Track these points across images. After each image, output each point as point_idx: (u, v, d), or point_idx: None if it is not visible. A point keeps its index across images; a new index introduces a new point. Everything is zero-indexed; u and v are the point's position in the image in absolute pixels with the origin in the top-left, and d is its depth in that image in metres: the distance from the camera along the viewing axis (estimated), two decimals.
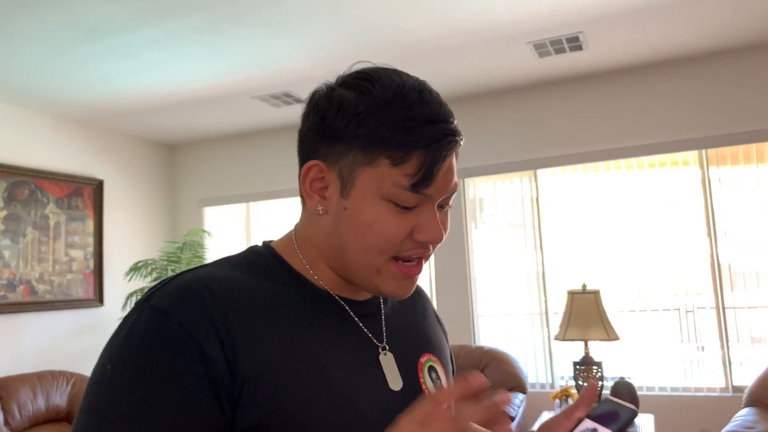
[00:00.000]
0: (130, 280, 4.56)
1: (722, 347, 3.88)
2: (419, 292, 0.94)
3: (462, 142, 0.73)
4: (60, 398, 3.96)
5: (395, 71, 0.75)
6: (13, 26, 3.10)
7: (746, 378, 3.77)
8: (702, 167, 4.03)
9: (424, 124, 0.69)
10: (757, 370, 3.57)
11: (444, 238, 0.74)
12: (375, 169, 0.70)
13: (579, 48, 3.69)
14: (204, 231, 5.08)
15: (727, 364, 3.86)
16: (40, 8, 2.93)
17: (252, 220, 5.37)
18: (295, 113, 4.75)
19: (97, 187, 4.83)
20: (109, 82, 3.93)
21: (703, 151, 4.01)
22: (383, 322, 0.81)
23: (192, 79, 3.94)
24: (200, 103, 4.42)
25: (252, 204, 5.35)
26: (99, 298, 4.74)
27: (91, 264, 4.73)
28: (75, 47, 3.38)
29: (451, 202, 0.77)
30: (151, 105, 4.43)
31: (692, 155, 4.05)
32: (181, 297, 0.66)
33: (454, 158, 0.73)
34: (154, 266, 4.59)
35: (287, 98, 4.37)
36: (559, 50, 3.71)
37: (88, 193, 4.76)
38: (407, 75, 0.75)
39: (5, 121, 4.26)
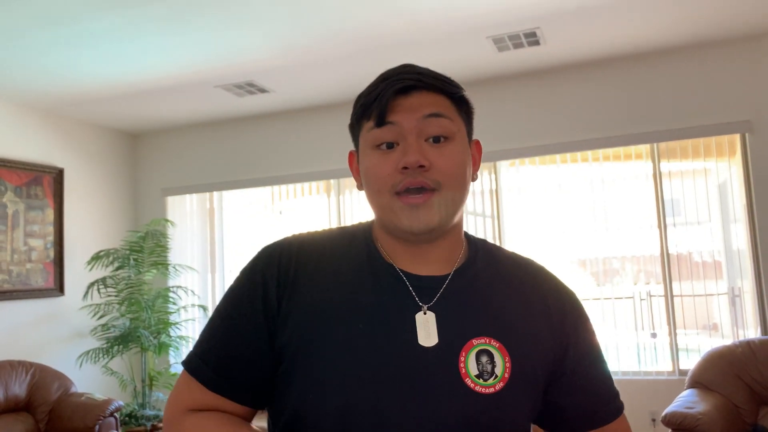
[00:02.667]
0: (91, 269, 4.53)
1: (670, 333, 4.06)
2: (542, 281, 0.95)
3: (422, 83, 0.88)
4: (19, 388, 3.93)
5: None
6: None
7: (692, 362, 3.95)
8: (653, 160, 4.18)
9: (381, 82, 0.89)
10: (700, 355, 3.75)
11: (448, 172, 0.86)
12: (362, 131, 0.91)
13: (536, 43, 3.79)
14: (167, 220, 5.07)
15: (674, 350, 4.03)
16: None
17: (215, 209, 5.38)
18: (258, 102, 4.76)
19: (58, 175, 4.77)
20: (69, 70, 3.90)
21: (655, 144, 4.16)
22: (439, 294, 0.88)
23: (154, 68, 3.93)
24: (163, 91, 4.40)
25: (215, 193, 5.34)
26: (59, 288, 4.70)
27: (52, 253, 4.69)
28: (35, 34, 3.34)
29: (442, 132, 0.87)
30: (112, 93, 4.39)
31: (645, 148, 4.20)
32: (272, 248, 0.93)
33: (425, 95, 0.88)
34: (116, 255, 4.57)
35: (251, 87, 4.38)
36: (518, 45, 3.81)
37: (48, 182, 4.70)
38: None
39: None
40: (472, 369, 0.83)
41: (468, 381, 0.82)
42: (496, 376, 0.83)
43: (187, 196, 5.37)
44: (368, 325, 0.84)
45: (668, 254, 4.09)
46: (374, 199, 0.89)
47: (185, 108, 4.83)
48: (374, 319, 0.84)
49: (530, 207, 4.43)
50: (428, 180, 0.84)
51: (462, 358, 0.83)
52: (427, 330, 0.84)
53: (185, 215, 5.37)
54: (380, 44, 3.70)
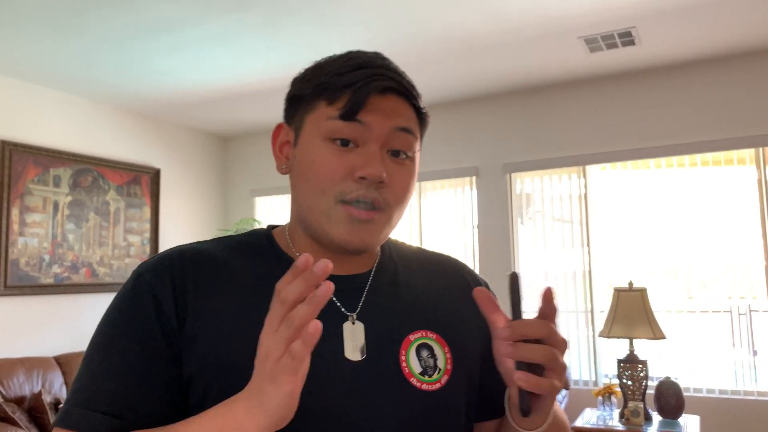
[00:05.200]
0: None
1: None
2: (458, 273, 0.92)
3: (402, 87, 0.77)
4: None
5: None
6: (80, 23, 3.27)
7: None
8: (758, 166, 3.92)
9: (356, 69, 0.76)
10: None
11: (400, 193, 0.77)
12: (315, 113, 0.77)
13: (631, 43, 3.65)
14: (255, 220, 5.23)
15: None
16: (105, 6, 3.08)
17: None
18: None
19: (155, 175, 5.03)
20: (167, 76, 4.10)
21: (760, 149, 3.91)
22: (364, 296, 0.81)
23: (246, 74, 4.07)
24: (253, 96, 4.55)
25: None
26: None
27: (147, 249, 4.94)
28: (137, 43, 3.54)
29: (406, 148, 0.78)
30: (206, 98, 4.58)
31: (748, 153, 3.95)
32: (157, 262, 0.78)
33: (400, 102, 0.78)
34: None
35: None
36: (611, 45, 3.67)
37: (145, 182, 4.96)
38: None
39: (71, 111, 4.49)
40: (415, 366, 0.77)
41: (413, 380, 0.76)
42: (440, 370, 0.78)
43: (275, 197, 5.52)
44: None
45: None
46: (310, 199, 0.77)
47: (274, 112, 4.97)
48: None
49: (621, 213, 4.26)
50: (381, 198, 0.76)
51: (403, 357, 0.77)
52: (354, 341, 0.76)
53: (272, 215, 5.53)
54: (469, 48, 3.67)
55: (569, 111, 4.39)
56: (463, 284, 0.90)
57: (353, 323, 0.77)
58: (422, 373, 0.77)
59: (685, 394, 3.20)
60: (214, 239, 0.85)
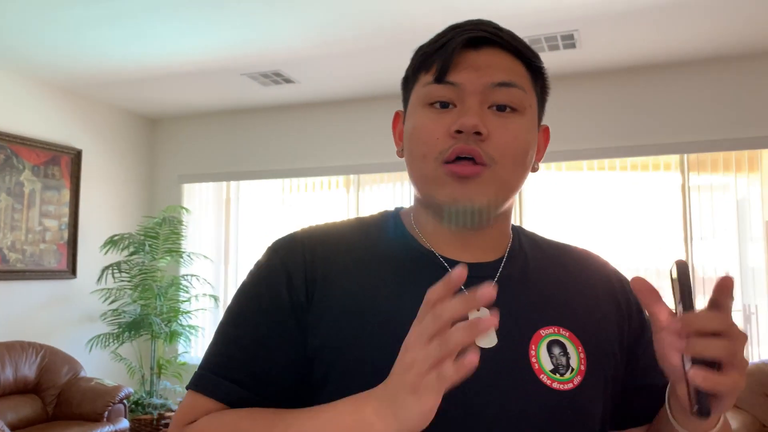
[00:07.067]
0: (106, 253, 4.47)
1: None
2: (598, 269, 0.87)
3: (497, 38, 0.76)
4: (29, 369, 3.87)
5: None
6: None
7: None
8: (682, 172, 4.11)
9: (449, 31, 0.77)
10: None
11: (504, 147, 0.73)
12: (417, 85, 0.78)
13: (573, 46, 3.73)
14: (182, 207, 5.00)
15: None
16: None
17: (232, 200, 5.31)
18: (282, 93, 4.70)
19: (75, 156, 4.71)
20: (96, 50, 3.83)
21: (685, 156, 4.10)
22: (493, 284, 0.76)
23: (183, 52, 3.87)
24: (187, 77, 4.34)
25: (233, 183, 5.28)
26: (72, 270, 4.64)
27: (66, 235, 4.63)
28: (65, 11, 3.28)
29: (511, 103, 0.74)
30: (136, 76, 4.33)
31: (674, 159, 4.14)
32: (290, 238, 0.81)
33: (500, 55, 0.75)
34: (131, 240, 4.51)
35: (277, 77, 4.32)
36: (553, 47, 3.74)
37: (65, 162, 4.64)
38: None
39: None
40: (546, 363, 0.73)
41: (543, 377, 0.72)
42: (573, 370, 0.74)
43: (204, 184, 5.30)
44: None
45: (693, 268, 4.03)
46: (417, 167, 0.76)
47: (208, 95, 4.77)
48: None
49: (552, 213, 4.36)
50: (482, 152, 0.72)
51: (533, 352, 0.73)
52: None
53: (201, 204, 5.31)
54: (418, 37, 3.62)
55: None
56: (604, 280, 0.85)
57: (478, 309, 0.71)
58: (553, 371, 0.73)
59: None
60: (342, 220, 0.85)
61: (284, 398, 0.72)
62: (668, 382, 0.79)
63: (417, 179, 0.77)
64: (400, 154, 0.82)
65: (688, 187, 4.08)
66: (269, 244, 0.81)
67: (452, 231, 0.78)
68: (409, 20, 3.38)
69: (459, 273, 0.57)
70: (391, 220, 0.84)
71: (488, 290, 0.56)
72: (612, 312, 0.81)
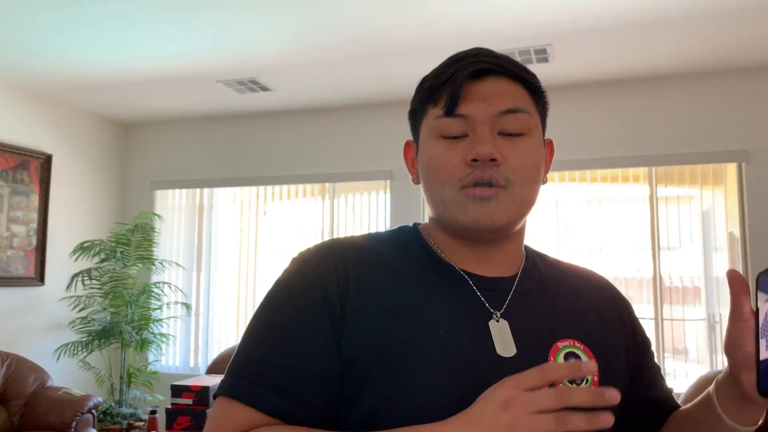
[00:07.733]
0: (76, 259, 4.40)
1: (659, 359, 4.07)
2: (605, 289, 0.93)
3: (498, 66, 0.80)
4: None
5: None
6: None
7: (679, 388, 3.97)
8: (650, 184, 4.22)
9: (452, 64, 0.82)
10: (688, 380, 3.76)
11: (519, 169, 0.78)
12: (427, 118, 0.83)
13: (545, 60, 3.80)
14: (155, 214, 4.95)
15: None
16: None
17: (205, 207, 5.27)
18: (258, 100, 4.69)
19: (45, 161, 4.64)
20: (68, 54, 3.79)
21: (653, 169, 4.20)
22: (509, 299, 0.81)
23: (158, 57, 3.84)
24: (162, 82, 4.31)
25: (206, 190, 5.25)
26: (40, 277, 4.56)
27: (34, 241, 4.54)
28: (36, 14, 3.24)
29: (519, 129, 0.80)
30: (109, 81, 4.29)
31: (642, 172, 4.24)
32: (319, 250, 0.82)
33: (502, 82, 0.81)
34: (102, 247, 4.45)
35: (253, 85, 4.32)
36: (527, 61, 3.81)
37: (35, 167, 4.56)
38: None
39: None
40: None
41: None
42: (587, 381, 0.77)
43: (177, 191, 5.26)
44: (448, 331, 0.76)
45: (661, 278, 4.12)
46: (436, 193, 0.81)
47: (182, 101, 4.74)
48: (450, 325, 0.76)
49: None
50: (499, 176, 0.77)
51: (552, 363, 0.77)
52: (503, 338, 0.77)
53: (173, 210, 5.26)
54: (392, 50, 3.67)
55: None
56: (610, 299, 0.91)
57: (497, 320, 0.78)
58: (570, 382, 0.76)
59: None
60: (362, 234, 0.89)
61: (323, 408, 0.74)
62: (670, 395, 0.89)
63: (437, 204, 0.82)
64: (416, 181, 0.87)
65: (656, 199, 4.18)
66: (294, 255, 0.84)
67: (468, 247, 0.83)
68: (383, 31, 3.42)
69: (592, 367, 0.64)
70: (412, 234, 0.88)
71: (593, 366, 0.64)
72: (618, 329, 0.88)
